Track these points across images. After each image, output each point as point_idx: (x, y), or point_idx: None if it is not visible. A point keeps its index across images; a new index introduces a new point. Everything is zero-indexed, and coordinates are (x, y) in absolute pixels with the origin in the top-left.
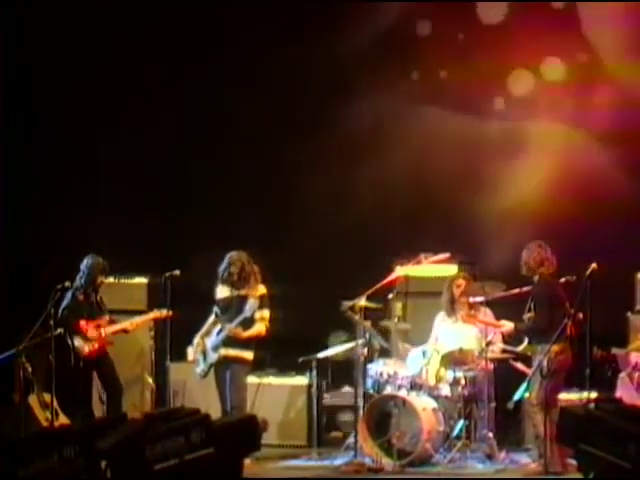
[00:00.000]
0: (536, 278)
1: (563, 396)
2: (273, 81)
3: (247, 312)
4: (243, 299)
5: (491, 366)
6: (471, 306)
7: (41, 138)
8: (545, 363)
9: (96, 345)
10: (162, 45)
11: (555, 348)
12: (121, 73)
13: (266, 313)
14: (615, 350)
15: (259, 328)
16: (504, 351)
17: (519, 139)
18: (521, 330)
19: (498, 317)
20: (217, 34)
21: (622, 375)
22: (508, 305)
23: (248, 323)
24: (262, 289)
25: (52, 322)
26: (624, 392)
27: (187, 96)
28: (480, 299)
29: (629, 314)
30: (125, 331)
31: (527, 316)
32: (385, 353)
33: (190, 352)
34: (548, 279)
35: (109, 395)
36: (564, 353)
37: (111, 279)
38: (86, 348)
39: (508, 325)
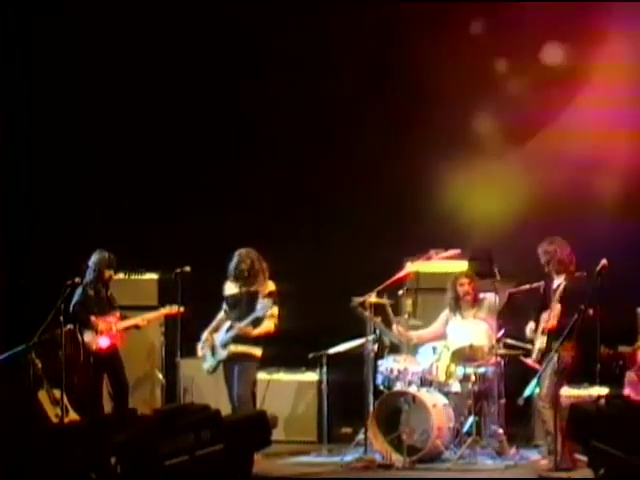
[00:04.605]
0: (563, 275)
1: (573, 392)
2: (283, 79)
3: (259, 312)
4: (252, 295)
5: (501, 362)
6: (477, 302)
7: (50, 134)
8: (556, 359)
9: (107, 341)
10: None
11: (567, 345)
12: (129, 68)
13: (275, 310)
14: (622, 348)
15: (268, 325)
16: (513, 347)
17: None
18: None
19: (507, 313)
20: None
21: (629, 373)
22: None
23: (257, 320)
24: (271, 286)
25: (62, 318)
26: (632, 390)
27: (199, 97)
28: (490, 295)
29: (639, 310)
30: (137, 327)
31: (551, 313)
32: (395, 349)
33: (198, 348)
34: (579, 276)
35: (115, 393)
36: (575, 349)
37: (122, 275)
38: (97, 344)
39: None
